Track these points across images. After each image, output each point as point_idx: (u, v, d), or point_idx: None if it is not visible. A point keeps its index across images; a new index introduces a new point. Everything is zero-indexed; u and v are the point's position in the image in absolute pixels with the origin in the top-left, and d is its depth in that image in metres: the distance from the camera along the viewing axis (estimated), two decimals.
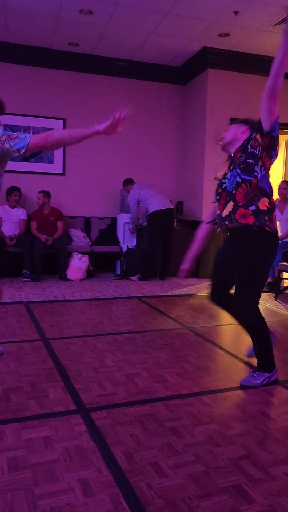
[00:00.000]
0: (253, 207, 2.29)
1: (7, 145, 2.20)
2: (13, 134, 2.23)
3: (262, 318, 2.41)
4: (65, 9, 4.77)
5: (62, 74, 6.22)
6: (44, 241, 5.62)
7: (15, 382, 2.39)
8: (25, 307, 4.14)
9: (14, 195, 5.79)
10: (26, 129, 6.18)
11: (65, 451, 1.74)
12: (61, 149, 6.31)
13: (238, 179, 2.31)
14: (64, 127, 6.28)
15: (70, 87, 6.27)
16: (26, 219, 5.89)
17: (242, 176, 2.29)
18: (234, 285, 2.43)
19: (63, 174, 6.37)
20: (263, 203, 2.30)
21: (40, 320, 3.69)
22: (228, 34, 5.34)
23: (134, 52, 5.99)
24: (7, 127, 6.06)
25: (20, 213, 5.88)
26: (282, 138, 8.19)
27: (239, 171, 2.31)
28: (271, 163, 2.33)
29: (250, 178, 2.28)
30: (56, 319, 3.74)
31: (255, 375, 2.46)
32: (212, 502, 1.47)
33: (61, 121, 6.27)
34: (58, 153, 6.34)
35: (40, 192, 5.83)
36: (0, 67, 5.96)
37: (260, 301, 2.48)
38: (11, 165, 6.69)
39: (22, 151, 2.18)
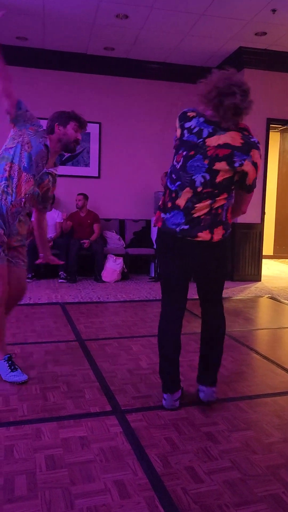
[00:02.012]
0: None
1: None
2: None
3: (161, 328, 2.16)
4: (101, 14, 4.84)
5: (97, 79, 6.31)
6: (81, 243, 5.71)
7: (52, 381, 2.44)
8: (61, 308, 4.21)
9: None
10: None
11: (101, 452, 1.76)
12: (97, 153, 6.41)
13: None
14: (100, 131, 6.37)
15: (106, 91, 6.35)
16: (62, 221, 6.01)
17: None
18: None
19: (98, 177, 6.45)
20: None
21: (75, 321, 3.74)
22: (265, 33, 5.25)
23: (169, 54, 5.99)
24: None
25: (56, 216, 6.00)
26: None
27: None
28: (174, 154, 2.07)
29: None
30: (91, 320, 3.79)
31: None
32: (249, 511, 1.45)
33: (97, 125, 6.36)
34: (93, 157, 6.43)
35: (79, 194, 5.94)
36: (38, 74, 6.12)
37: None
38: None
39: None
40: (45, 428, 1.93)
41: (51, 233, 5.90)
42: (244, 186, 2.03)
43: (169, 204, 2.04)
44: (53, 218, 5.99)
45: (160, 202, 2.11)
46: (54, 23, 5.10)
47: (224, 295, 5.46)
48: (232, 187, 2.02)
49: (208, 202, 1.97)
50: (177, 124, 2.07)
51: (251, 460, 1.73)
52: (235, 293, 5.20)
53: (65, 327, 3.56)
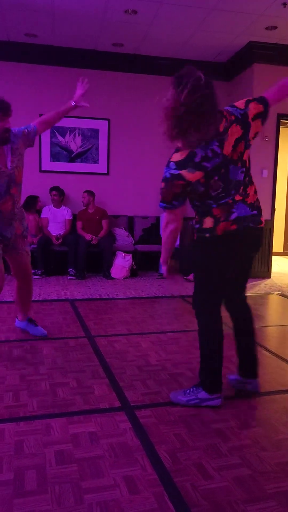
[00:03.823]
0: None
1: (26, 130, 2.93)
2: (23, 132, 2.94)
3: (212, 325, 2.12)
4: (110, 10, 4.83)
5: (106, 75, 6.30)
6: (89, 240, 5.72)
7: (61, 377, 2.45)
8: (71, 304, 4.23)
9: (53, 195, 5.93)
10: (72, 130, 6.31)
11: (110, 448, 1.76)
12: (106, 149, 6.41)
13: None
14: (109, 127, 6.36)
15: (115, 88, 6.34)
16: (71, 218, 6.03)
17: None
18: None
19: (107, 173, 6.45)
20: None
21: (85, 317, 3.75)
22: (275, 27, 5.19)
23: (179, 49, 5.95)
24: (54, 128, 6.23)
25: (65, 213, 6.02)
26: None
27: None
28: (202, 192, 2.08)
29: None
30: (101, 317, 3.80)
31: (187, 390, 2.17)
32: (259, 507, 1.44)
33: (106, 122, 6.36)
34: (102, 153, 6.43)
35: (84, 191, 5.95)
36: (47, 70, 6.13)
37: None
38: (57, 166, 6.89)
39: (32, 129, 2.96)
40: (55, 424, 1.94)
41: (60, 230, 5.92)
42: (265, 113, 2.14)
43: (227, 205, 1.99)
44: (62, 215, 6.01)
45: (208, 222, 2.01)
46: (63, 19, 5.10)
47: None
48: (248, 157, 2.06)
49: (251, 190, 2.07)
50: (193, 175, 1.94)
51: (261, 457, 1.73)
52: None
53: (74, 323, 3.58)
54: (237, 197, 2.01)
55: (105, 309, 4.09)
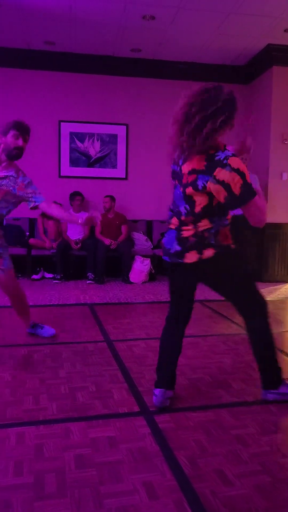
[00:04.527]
0: None
1: (29, 192, 2.93)
2: (28, 182, 2.93)
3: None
4: (128, 16, 4.87)
5: (124, 80, 6.35)
6: (108, 245, 5.75)
7: (81, 381, 2.46)
8: (90, 308, 4.25)
9: (76, 200, 6.00)
10: (91, 135, 6.37)
11: (129, 452, 1.76)
12: (124, 154, 6.45)
13: None
14: (127, 132, 6.40)
15: (133, 93, 6.38)
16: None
17: None
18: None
19: (125, 178, 6.48)
20: None
21: (103, 321, 3.77)
22: None
23: (196, 54, 5.96)
24: (73, 134, 6.31)
25: (84, 218, 6.06)
26: None
27: None
28: None
29: None
30: (119, 321, 3.81)
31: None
32: None
33: (124, 127, 6.40)
34: (121, 158, 6.47)
35: (106, 196, 6.00)
36: (66, 77, 6.21)
37: None
38: (75, 171, 6.95)
39: (32, 205, 2.98)
40: (74, 428, 1.95)
41: (79, 235, 5.98)
42: (236, 199, 1.86)
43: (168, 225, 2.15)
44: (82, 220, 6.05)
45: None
46: (81, 27, 5.17)
47: None
48: (216, 212, 1.98)
49: (191, 226, 2.02)
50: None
51: (281, 464, 1.70)
52: (264, 294, 5.10)
53: (93, 327, 3.60)
54: None
55: (124, 314, 4.10)
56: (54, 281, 5.62)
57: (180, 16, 4.82)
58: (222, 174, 1.85)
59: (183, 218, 2.03)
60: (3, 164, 2.82)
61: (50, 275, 5.85)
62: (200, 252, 2.03)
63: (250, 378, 2.56)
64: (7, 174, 2.83)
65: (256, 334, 2.19)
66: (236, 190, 1.85)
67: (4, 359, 2.80)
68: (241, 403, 2.23)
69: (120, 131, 6.41)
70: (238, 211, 1.97)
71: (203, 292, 5.09)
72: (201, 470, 1.65)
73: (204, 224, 2.00)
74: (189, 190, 1.96)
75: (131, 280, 5.72)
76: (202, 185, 1.90)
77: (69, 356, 2.87)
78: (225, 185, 1.86)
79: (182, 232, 2.05)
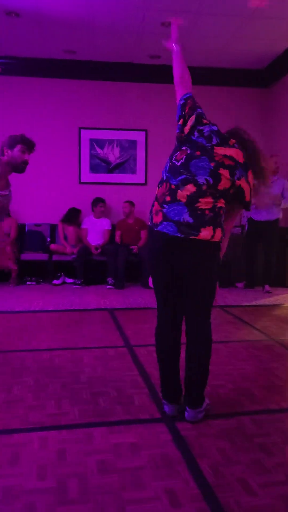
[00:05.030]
0: None
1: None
2: None
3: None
4: (147, 23, 4.90)
5: (143, 87, 6.38)
6: (130, 249, 5.77)
7: (102, 386, 2.47)
8: (110, 314, 4.27)
9: (99, 206, 6.05)
10: (110, 142, 6.42)
11: (151, 459, 1.75)
12: (143, 160, 6.48)
13: None
14: (146, 138, 6.43)
15: (152, 99, 6.41)
16: (110, 228, 6.11)
17: None
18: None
19: (145, 184, 6.50)
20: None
21: (124, 326, 3.77)
22: None
23: (215, 58, 5.95)
24: (93, 141, 6.38)
25: (104, 223, 6.11)
26: None
27: None
28: (176, 149, 2.14)
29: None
30: (140, 326, 3.80)
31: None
32: None
33: (144, 132, 6.43)
34: (140, 164, 6.49)
35: (125, 202, 6.04)
36: (87, 85, 6.29)
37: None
38: (95, 177, 7.01)
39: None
40: (96, 433, 1.95)
41: (99, 240, 6.02)
42: (243, 202, 2.08)
43: (168, 198, 1.98)
44: (102, 225, 6.11)
45: (157, 192, 2.07)
46: (101, 35, 5.23)
47: (275, 302, 5.30)
48: (229, 199, 2.04)
49: (211, 199, 1.95)
50: (191, 122, 2.10)
51: None
52: (287, 300, 5.03)
53: (113, 332, 3.60)
54: None
55: (144, 319, 4.09)
56: (75, 286, 5.67)
57: (198, 21, 4.83)
58: (251, 177, 2.06)
59: (204, 187, 1.93)
60: (3, 182, 2.78)
61: (71, 280, 5.90)
62: (213, 231, 1.94)
63: (273, 385, 2.52)
64: (5, 193, 2.82)
65: (195, 360, 2.06)
66: (250, 194, 2.09)
67: (27, 363, 2.83)
68: (264, 411, 2.19)
69: (140, 137, 6.44)
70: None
71: (223, 297, 5.08)
72: (224, 479, 1.63)
73: (221, 202, 2.00)
74: (225, 172, 1.96)
75: (151, 285, 5.70)
76: (238, 176, 1.99)
77: (90, 361, 2.88)
78: (249, 186, 2.05)
79: (197, 204, 1.92)
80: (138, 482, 1.60)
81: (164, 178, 2.07)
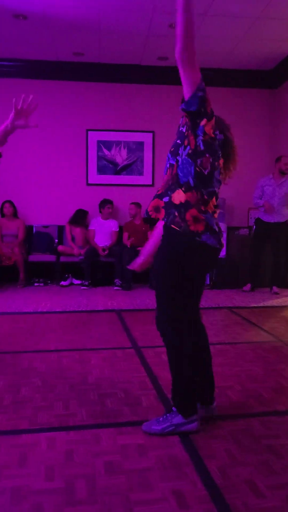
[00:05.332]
0: (166, 199, 1.92)
1: None
2: None
3: (182, 343, 2.01)
4: (154, 25, 4.91)
5: (151, 88, 6.39)
6: (130, 246, 5.78)
7: (109, 388, 2.47)
8: (117, 315, 4.27)
9: (107, 208, 6.07)
10: (118, 143, 6.44)
11: (159, 460, 1.75)
12: (151, 161, 6.48)
13: (167, 164, 2.01)
14: (154, 139, 6.44)
15: (159, 100, 6.41)
16: (118, 230, 6.12)
17: (171, 161, 1.99)
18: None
19: (152, 185, 6.50)
20: (177, 196, 1.89)
21: (131, 328, 3.78)
22: None
23: (223, 59, 5.94)
24: (100, 142, 6.40)
25: (112, 225, 6.13)
26: None
27: (169, 155, 2.01)
28: (197, 143, 1.92)
29: (173, 163, 1.97)
30: (147, 327, 3.80)
31: (160, 418, 1.98)
32: None
33: (151, 134, 6.44)
34: (147, 165, 6.50)
35: (132, 203, 6.05)
36: (95, 86, 6.32)
37: None
38: (103, 179, 7.04)
39: None
40: (104, 434, 1.95)
41: (106, 242, 6.03)
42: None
43: (211, 205, 1.94)
44: (109, 226, 6.12)
45: (196, 197, 1.88)
46: (109, 37, 5.25)
47: (283, 303, 5.28)
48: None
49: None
50: (213, 125, 1.99)
51: None
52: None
53: (121, 334, 3.61)
54: None
55: (152, 320, 4.05)
56: (82, 287, 5.69)
57: (206, 22, 4.83)
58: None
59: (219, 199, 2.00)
60: None
61: (78, 282, 5.92)
62: None
63: (281, 387, 2.51)
64: None
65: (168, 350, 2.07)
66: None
67: (35, 364, 2.84)
68: (272, 413, 2.18)
69: (147, 138, 6.45)
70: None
71: (231, 299, 5.06)
72: (232, 480, 1.62)
73: None
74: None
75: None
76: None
77: (98, 362, 2.88)
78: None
79: (215, 214, 1.99)
80: (146, 483, 1.60)
81: (217, 191, 2.01)
